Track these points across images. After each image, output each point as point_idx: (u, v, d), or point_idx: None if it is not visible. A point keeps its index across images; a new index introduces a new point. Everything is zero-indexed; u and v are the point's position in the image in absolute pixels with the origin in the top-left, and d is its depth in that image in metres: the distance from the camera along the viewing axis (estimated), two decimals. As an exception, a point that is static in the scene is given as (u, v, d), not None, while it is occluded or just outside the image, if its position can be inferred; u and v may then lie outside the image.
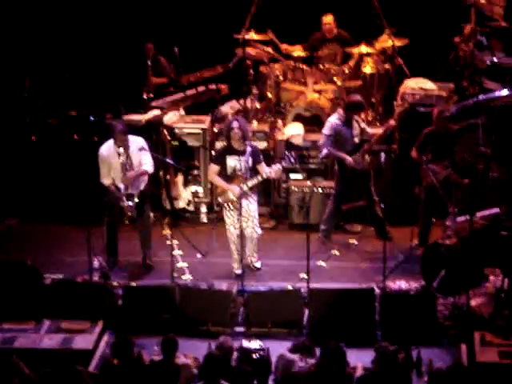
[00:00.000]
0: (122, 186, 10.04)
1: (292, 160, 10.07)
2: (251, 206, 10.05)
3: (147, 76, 12.03)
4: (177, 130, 11.52)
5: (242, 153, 9.91)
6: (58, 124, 11.61)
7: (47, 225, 11.31)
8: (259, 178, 9.99)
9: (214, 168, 10.13)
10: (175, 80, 12.13)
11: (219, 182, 10.07)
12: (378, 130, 10.85)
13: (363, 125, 10.83)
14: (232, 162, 9.99)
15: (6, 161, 11.74)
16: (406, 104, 10.91)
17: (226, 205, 10.03)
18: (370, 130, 10.87)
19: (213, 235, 10.67)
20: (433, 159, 10.31)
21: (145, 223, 10.32)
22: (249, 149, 9.88)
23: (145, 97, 11.92)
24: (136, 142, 10.14)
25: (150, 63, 12.04)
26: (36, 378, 7.69)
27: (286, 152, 11.12)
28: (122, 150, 9.98)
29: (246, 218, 9.96)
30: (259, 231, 10.13)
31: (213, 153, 11.25)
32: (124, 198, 10.02)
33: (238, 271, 9.99)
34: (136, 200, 10.03)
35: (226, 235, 10.17)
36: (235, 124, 9.90)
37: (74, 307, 9.29)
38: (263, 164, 10.03)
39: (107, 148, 10.08)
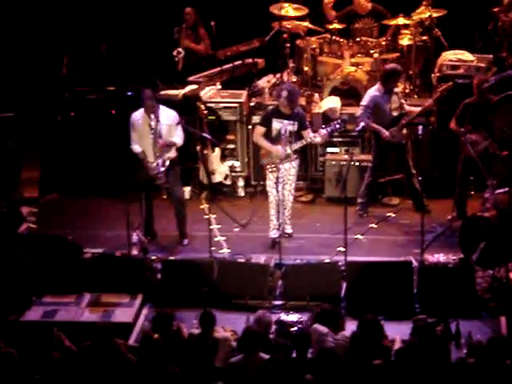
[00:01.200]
0: (151, 157, 10.06)
1: (338, 126, 10.01)
2: (292, 169, 10.12)
3: (179, 37, 12.05)
4: (213, 105, 11.55)
5: (288, 117, 9.96)
6: (96, 99, 11.69)
7: (87, 199, 11.40)
8: (303, 141, 10.05)
9: (259, 130, 10.18)
10: (209, 56, 12.13)
11: (264, 143, 10.11)
12: (415, 109, 10.70)
13: (402, 100, 10.76)
14: (278, 125, 10.03)
15: (45, 136, 11.85)
16: (450, 82, 10.73)
17: (268, 167, 10.07)
18: (407, 107, 10.76)
19: (250, 209, 10.68)
20: (471, 130, 10.23)
21: (179, 202, 10.29)
22: (295, 113, 9.94)
23: (174, 53, 11.97)
24: (167, 113, 10.15)
25: (185, 26, 12.04)
26: (76, 351, 7.80)
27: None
28: (153, 118, 10.00)
29: (285, 180, 10.01)
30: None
31: (249, 127, 11.27)
32: (153, 166, 10.02)
33: (275, 235, 10.01)
34: (166, 164, 10.02)
35: (262, 209, 10.16)
36: (284, 93, 9.92)
37: (114, 281, 9.38)
38: (309, 130, 10.10)
39: (139, 115, 10.12)
